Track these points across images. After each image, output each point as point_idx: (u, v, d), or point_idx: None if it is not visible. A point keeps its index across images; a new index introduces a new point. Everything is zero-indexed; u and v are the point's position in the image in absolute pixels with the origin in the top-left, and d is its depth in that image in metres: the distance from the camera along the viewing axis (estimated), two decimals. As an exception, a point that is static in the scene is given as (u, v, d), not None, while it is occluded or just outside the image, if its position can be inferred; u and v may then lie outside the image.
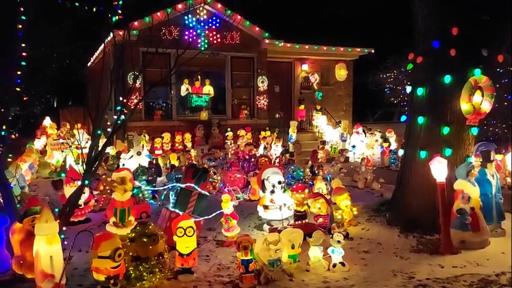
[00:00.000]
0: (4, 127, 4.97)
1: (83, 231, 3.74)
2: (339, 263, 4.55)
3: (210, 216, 5.26)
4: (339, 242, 4.57)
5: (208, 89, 13.87)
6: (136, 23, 11.81)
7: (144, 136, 11.85)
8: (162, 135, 12.51)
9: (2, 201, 4.89)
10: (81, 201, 5.91)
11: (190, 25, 12.99)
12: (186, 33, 12.77)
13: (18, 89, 5.41)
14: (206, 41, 13.26)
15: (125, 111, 5.19)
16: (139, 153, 9.03)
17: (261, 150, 12.01)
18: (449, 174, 5.20)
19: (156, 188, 7.58)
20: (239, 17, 13.22)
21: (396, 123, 14.98)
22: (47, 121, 14.37)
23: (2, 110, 4.99)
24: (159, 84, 10.89)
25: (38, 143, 12.53)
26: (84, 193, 5.82)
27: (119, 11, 5.42)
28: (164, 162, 10.29)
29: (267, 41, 14.43)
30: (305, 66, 16.50)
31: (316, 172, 9.15)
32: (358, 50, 16.56)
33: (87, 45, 11.52)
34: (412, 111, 6.18)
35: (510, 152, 8.16)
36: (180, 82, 13.50)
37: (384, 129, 13.83)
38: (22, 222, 4.27)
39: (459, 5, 5.56)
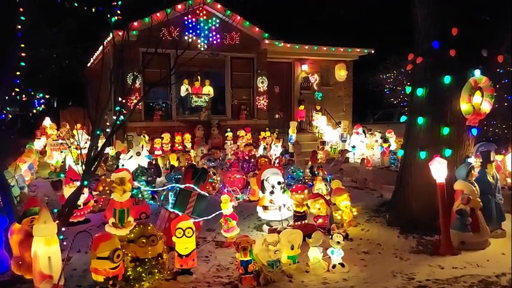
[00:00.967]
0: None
1: (82, 231, 3.73)
2: (339, 263, 4.55)
3: (209, 217, 5.25)
4: (338, 242, 4.56)
5: (208, 89, 13.87)
6: (135, 24, 11.81)
7: (144, 136, 11.83)
8: (162, 135, 12.50)
9: (1, 201, 4.89)
10: (80, 202, 5.90)
11: (190, 25, 12.98)
12: (186, 33, 12.77)
13: (17, 90, 5.41)
14: (206, 41, 13.26)
15: (124, 112, 5.19)
16: (138, 154, 9.02)
17: (260, 151, 12.01)
18: (449, 175, 5.19)
19: (155, 189, 7.58)
20: (239, 17, 13.20)
21: (396, 124, 14.98)
22: (47, 121, 14.36)
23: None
24: (158, 84, 10.89)
25: (38, 144, 12.50)
26: (83, 194, 5.82)
27: (118, 11, 5.42)
28: (164, 163, 10.28)
29: (266, 41, 14.43)
30: (305, 67, 16.51)
31: (316, 173, 9.14)
32: (358, 50, 16.56)
33: (87, 46, 11.52)
34: (412, 112, 6.18)
35: (510, 152, 8.15)
36: (179, 82, 13.49)
37: (383, 130, 13.82)
38: (21, 222, 4.26)
39: (459, 5, 5.56)
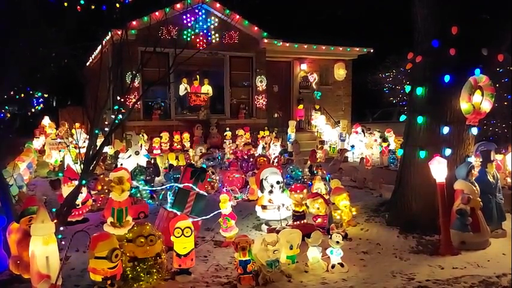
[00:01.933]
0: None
1: (80, 231, 3.71)
2: (338, 263, 4.53)
3: (208, 217, 5.23)
4: (337, 242, 4.54)
5: (206, 88, 13.85)
6: (134, 23, 11.78)
7: (143, 136, 11.82)
8: (161, 134, 12.50)
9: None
10: (78, 201, 5.88)
11: (189, 24, 12.96)
12: (185, 32, 12.74)
13: (16, 88, 5.39)
14: (205, 40, 13.23)
15: (123, 111, 5.17)
16: (137, 153, 9.01)
17: (259, 150, 11.99)
18: (449, 174, 5.18)
19: (154, 188, 7.55)
20: (238, 16, 13.19)
21: (395, 123, 14.98)
22: (46, 121, 14.32)
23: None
24: (157, 83, 10.86)
25: (37, 143, 12.47)
26: (82, 193, 5.79)
27: (117, 11, 5.40)
28: (162, 162, 10.26)
29: (265, 40, 14.42)
30: (304, 66, 16.50)
31: (315, 172, 9.12)
32: (357, 49, 16.56)
33: (86, 46, 11.49)
34: (411, 111, 6.16)
35: (510, 152, 8.15)
36: (178, 81, 13.48)
37: (383, 129, 13.82)
38: (19, 222, 4.24)
39: (459, 4, 5.53)
